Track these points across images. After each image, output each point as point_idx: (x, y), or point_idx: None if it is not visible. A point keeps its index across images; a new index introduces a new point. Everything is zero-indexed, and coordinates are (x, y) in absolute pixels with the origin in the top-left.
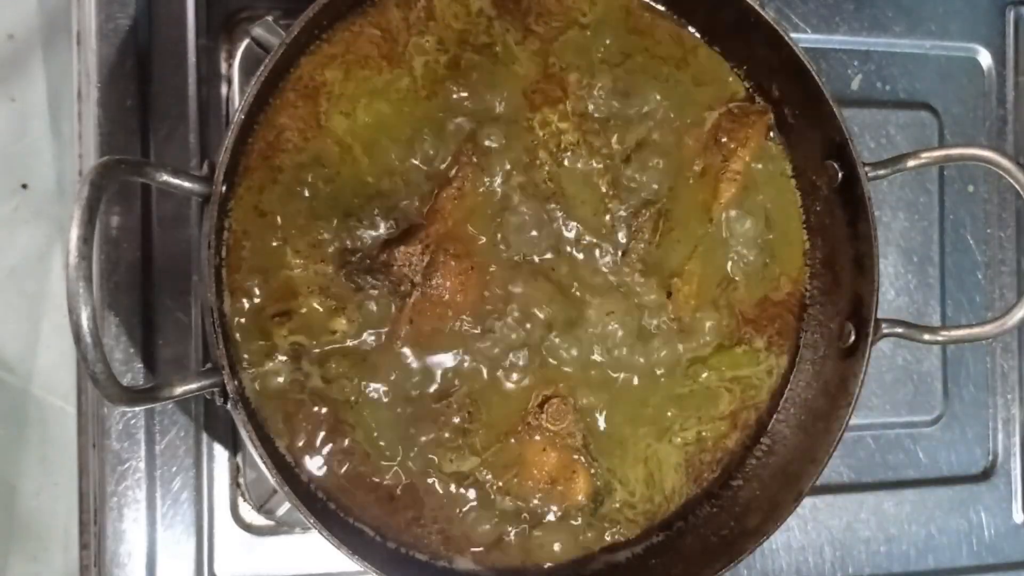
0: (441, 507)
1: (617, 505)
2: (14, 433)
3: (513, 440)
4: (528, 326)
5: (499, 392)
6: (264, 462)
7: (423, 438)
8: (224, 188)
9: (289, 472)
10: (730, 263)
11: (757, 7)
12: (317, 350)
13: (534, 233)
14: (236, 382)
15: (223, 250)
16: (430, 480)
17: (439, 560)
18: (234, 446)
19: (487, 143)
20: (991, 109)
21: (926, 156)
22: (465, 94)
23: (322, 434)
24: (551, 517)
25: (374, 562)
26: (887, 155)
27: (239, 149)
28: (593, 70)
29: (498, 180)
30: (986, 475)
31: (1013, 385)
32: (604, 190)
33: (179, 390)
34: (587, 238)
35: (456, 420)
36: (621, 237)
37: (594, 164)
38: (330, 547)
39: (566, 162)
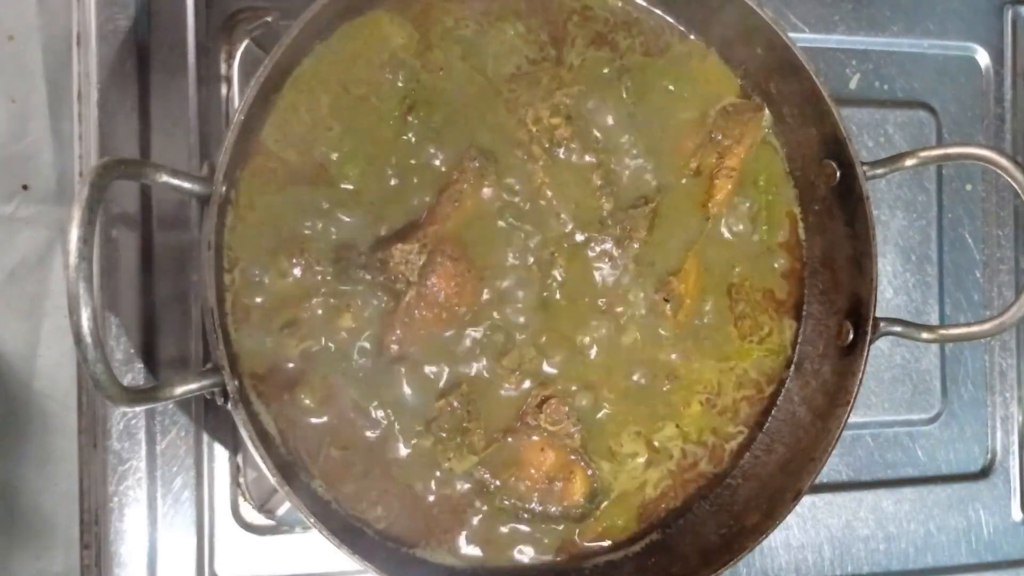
0: (439, 505)
1: (615, 504)
2: (15, 433)
3: (511, 440)
4: (525, 326)
5: (497, 392)
6: (264, 462)
7: (422, 437)
8: (224, 188)
9: (289, 471)
10: (727, 260)
11: (755, 7)
12: (324, 351)
13: (529, 229)
14: (236, 382)
15: (223, 251)
16: (428, 479)
17: (438, 558)
18: (234, 446)
19: (484, 143)
20: (989, 108)
21: (924, 155)
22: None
23: (320, 433)
24: (549, 516)
25: (374, 562)
26: (885, 154)
27: (239, 149)
28: (590, 68)
29: (495, 180)
30: (984, 473)
31: (1011, 383)
32: (598, 184)
33: (179, 390)
34: (582, 235)
35: (454, 419)
36: (616, 234)
37: (587, 159)
38: (330, 547)
39: (560, 157)
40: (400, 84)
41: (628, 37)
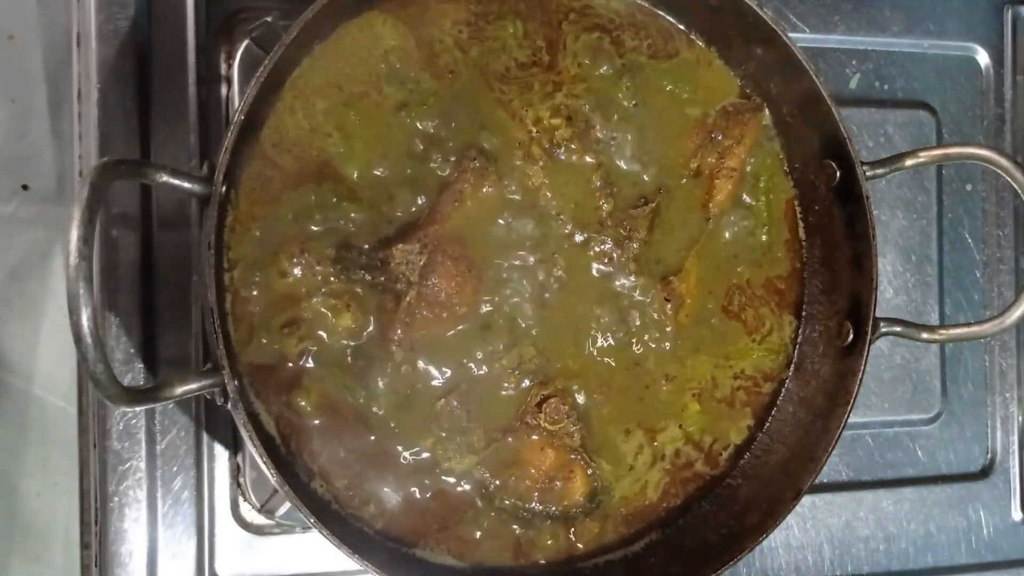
0: (439, 505)
1: (615, 503)
2: (15, 433)
3: (511, 439)
4: (524, 326)
5: (496, 392)
6: (264, 462)
7: (421, 437)
8: (224, 188)
9: (289, 472)
10: (727, 260)
11: (755, 7)
12: (324, 351)
13: (529, 230)
14: (236, 382)
15: (223, 251)
16: (428, 479)
17: (438, 558)
18: (234, 446)
19: (484, 144)
20: (989, 108)
21: (924, 155)
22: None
23: (320, 432)
24: (550, 516)
25: (374, 561)
26: (885, 154)
27: (239, 149)
28: (589, 68)
29: (496, 180)
30: (984, 473)
31: (1011, 383)
32: (598, 184)
33: (179, 390)
34: (582, 235)
35: (454, 419)
36: (616, 235)
37: (587, 159)
38: (330, 547)
39: (560, 158)
40: (399, 84)
41: (635, 39)
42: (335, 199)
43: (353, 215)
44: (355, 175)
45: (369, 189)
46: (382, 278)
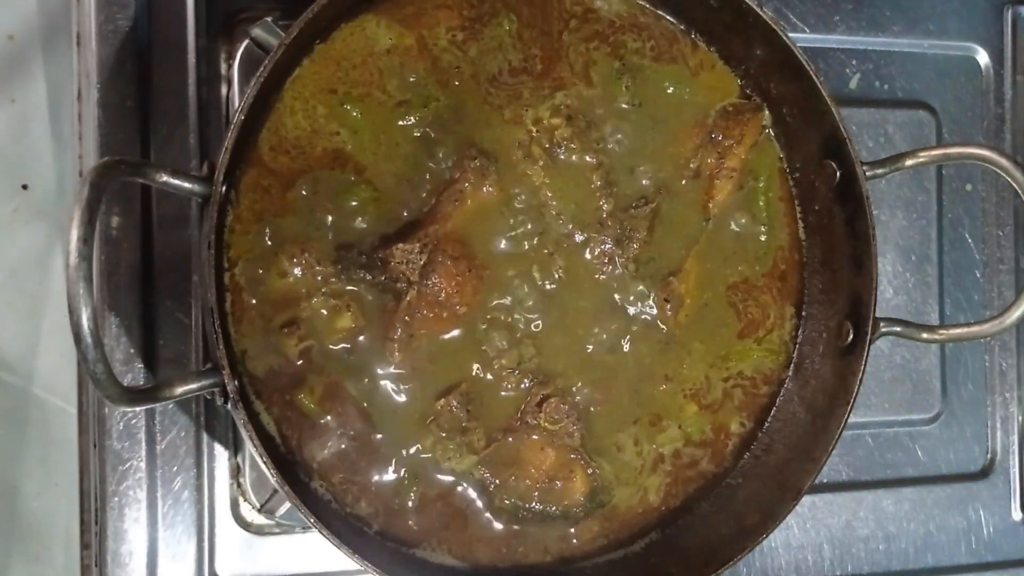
0: (439, 505)
1: (615, 503)
2: (15, 433)
3: (511, 439)
4: (524, 325)
5: (496, 391)
6: (264, 462)
7: (422, 436)
8: (224, 188)
9: (289, 471)
10: (727, 260)
11: (755, 6)
12: (324, 351)
13: (529, 229)
14: (236, 382)
15: (223, 251)
16: (428, 478)
17: (438, 558)
18: (234, 446)
19: (484, 143)
20: (989, 108)
21: (924, 155)
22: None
23: (320, 432)
24: (550, 515)
25: (374, 561)
26: (885, 154)
27: (239, 149)
28: (587, 67)
29: (496, 179)
30: (984, 473)
31: (1011, 383)
32: (598, 184)
33: (179, 390)
34: (581, 235)
35: (454, 419)
36: (615, 235)
37: (587, 159)
38: (330, 547)
39: (560, 158)
40: (400, 84)
41: (638, 40)
42: (353, 178)
43: (364, 201)
44: (356, 172)
45: (376, 182)
46: (382, 278)
